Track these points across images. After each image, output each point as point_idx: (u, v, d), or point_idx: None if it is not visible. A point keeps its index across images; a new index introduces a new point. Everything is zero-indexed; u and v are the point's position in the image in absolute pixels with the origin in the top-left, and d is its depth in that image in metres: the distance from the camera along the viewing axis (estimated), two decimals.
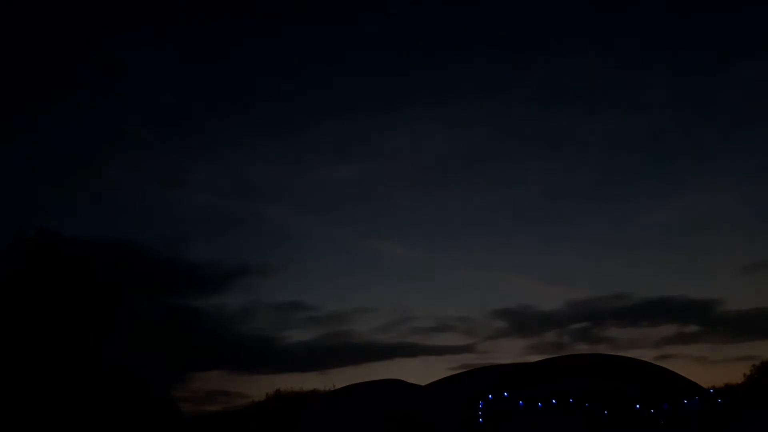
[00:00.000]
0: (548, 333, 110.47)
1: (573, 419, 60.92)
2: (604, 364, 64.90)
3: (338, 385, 69.95)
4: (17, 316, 41.27)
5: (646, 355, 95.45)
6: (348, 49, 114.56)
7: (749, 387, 70.29)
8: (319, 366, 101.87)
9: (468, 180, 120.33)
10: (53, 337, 40.53)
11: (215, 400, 77.11)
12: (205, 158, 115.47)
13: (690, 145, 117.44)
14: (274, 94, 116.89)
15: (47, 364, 40.01)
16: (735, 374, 73.07)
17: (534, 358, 63.39)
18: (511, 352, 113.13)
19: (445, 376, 73.74)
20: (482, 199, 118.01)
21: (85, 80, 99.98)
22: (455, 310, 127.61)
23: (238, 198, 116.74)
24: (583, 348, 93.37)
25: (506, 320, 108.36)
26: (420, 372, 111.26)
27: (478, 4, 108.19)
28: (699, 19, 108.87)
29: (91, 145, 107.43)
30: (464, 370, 76.27)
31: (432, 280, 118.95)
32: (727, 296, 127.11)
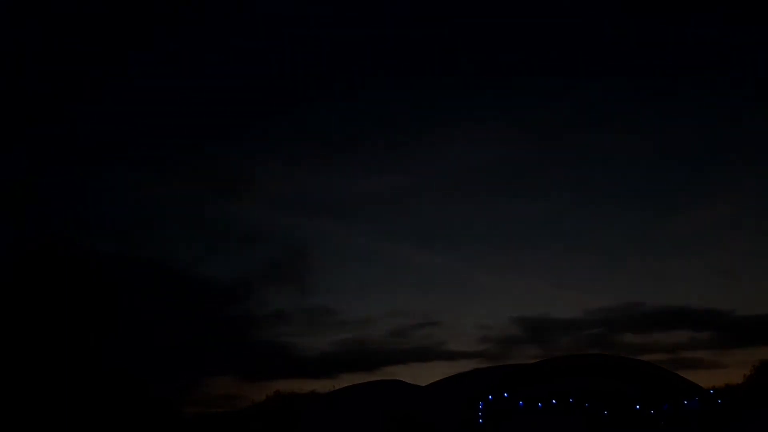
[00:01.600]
0: (564, 340, 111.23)
1: (573, 419, 60.94)
2: (604, 364, 65.00)
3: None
4: (18, 316, 41.42)
5: (660, 361, 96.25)
6: (384, 62, 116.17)
7: (749, 387, 70.25)
8: (335, 371, 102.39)
9: (492, 192, 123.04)
10: (53, 337, 40.67)
11: (225, 404, 77.15)
12: (240, 169, 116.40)
13: (705, 156, 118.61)
14: (309, 106, 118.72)
15: (47, 364, 40.14)
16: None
17: None
18: (527, 358, 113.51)
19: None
20: (505, 210, 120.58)
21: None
22: (474, 317, 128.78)
23: (272, 207, 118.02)
24: (604, 356, 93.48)
25: (523, 327, 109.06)
26: (433, 378, 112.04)
27: (519, 24, 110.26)
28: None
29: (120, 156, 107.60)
30: (465, 371, 76.41)
31: (454, 287, 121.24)
32: (741, 304, 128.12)
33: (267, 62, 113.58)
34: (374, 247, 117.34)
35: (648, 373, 65.23)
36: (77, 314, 43.05)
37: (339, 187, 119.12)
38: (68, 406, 40.74)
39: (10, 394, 39.74)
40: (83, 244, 47.68)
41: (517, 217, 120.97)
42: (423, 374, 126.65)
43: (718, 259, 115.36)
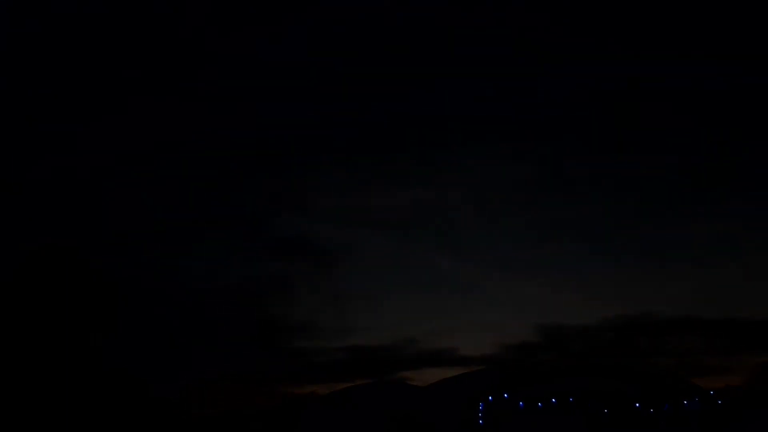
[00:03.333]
0: (582, 347, 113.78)
1: (573, 419, 61.00)
2: (605, 365, 65.13)
3: None
4: (19, 316, 41.63)
5: (670, 365, 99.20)
6: (422, 83, 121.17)
7: (749, 388, 70.25)
8: (352, 376, 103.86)
9: (513, 204, 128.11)
10: (53, 337, 40.87)
11: (229, 405, 77.00)
12: (281, 182, 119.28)
13: (713, 173, 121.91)
14: (348, 123, 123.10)
15: (47, 364, 40.35)
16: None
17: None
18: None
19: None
20: (530, 223, 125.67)
21: None
22: (492, 324, 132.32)
23: (304, 216, 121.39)
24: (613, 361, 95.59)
25: (540, 333, 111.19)
26: None
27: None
28: None
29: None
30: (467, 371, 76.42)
31: (473, 295, 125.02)
32: (744, 309, 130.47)
33: (306, 78, 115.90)
34: (400, 256, 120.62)
35: (648, 373, 65.31)
36: (77, 314, 43.27)
37: (370, 199, 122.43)
38: (72, 406, 40.92)
39: (11, 393, 39.94)
40: (101, 248, 47.76)
41: (537, 229, 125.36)
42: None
43: (729, 269, 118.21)
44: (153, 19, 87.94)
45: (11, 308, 42.17)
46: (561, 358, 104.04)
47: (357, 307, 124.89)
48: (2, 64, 68.10)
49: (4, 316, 41.90)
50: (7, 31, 72.17)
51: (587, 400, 61.87)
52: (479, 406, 60.61)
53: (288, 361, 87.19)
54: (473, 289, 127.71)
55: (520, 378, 63.14)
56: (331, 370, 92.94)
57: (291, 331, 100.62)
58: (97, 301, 43.54)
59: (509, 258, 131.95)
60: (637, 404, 62.78)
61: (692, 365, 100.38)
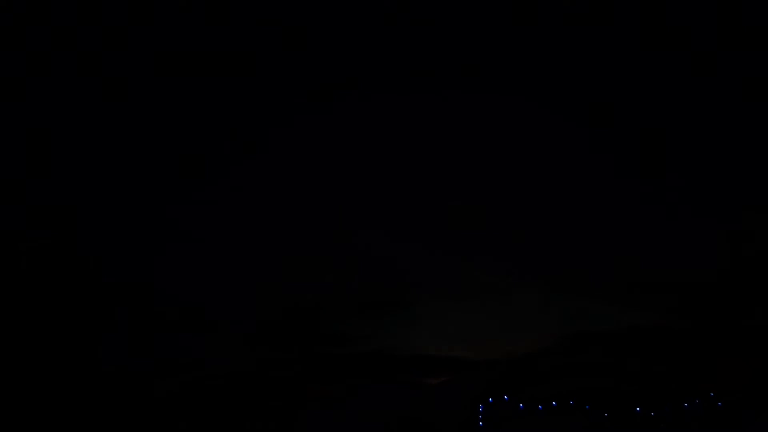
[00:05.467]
0: (604, 353, 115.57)
1: (573, 420, 61.00)
2: (605, 365, 65.06)
3: None
4: (19, 316, 41.59)
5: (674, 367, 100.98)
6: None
7: (749, 388, 70.20)
8: (354, 377, 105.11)
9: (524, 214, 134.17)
10: (54, 336, 40.86)
11: (233, 403, 76.82)
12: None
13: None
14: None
15: (48, 363, 40.33)
16: None
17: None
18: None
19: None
20: (535, 229, 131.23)
21: None
22: (499, 328, 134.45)
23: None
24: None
25: (568, 341, 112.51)
26: None
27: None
28: None
29: None
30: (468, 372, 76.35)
31: (494, 301, 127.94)
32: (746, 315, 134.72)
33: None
34: (407, 260, 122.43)
35: (649, 374, 65.26)
36: (77, 313, 43.28)
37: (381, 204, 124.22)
38: (72, 405, 40.92)
39: (11, 393, 39.92)
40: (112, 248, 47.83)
41: (542, 233, 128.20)
42: None
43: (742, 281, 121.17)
44: (156, 18, 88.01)
45: (11, 308, 42.15)
46: (563, 359, 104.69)
47: (368, 312, 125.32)
48: (2, 64, 68.10)
49: (4, 316, 41.88)
50: (7, 30, 72.16)
51: (587, 400, 61.83)
52: (479, 407, 60.58)
53: (291, 362, 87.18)
54: (482, 293, 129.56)
55: (520, 379, 63.09)
56: (333, 371, 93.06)
57: (295, 332, 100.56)
58: (98, 301, 43.53)
59: (530, 267, 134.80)
60: (637, 406, 62.74)
61: (693, 367, 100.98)
